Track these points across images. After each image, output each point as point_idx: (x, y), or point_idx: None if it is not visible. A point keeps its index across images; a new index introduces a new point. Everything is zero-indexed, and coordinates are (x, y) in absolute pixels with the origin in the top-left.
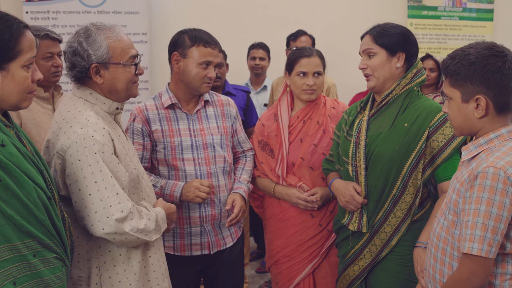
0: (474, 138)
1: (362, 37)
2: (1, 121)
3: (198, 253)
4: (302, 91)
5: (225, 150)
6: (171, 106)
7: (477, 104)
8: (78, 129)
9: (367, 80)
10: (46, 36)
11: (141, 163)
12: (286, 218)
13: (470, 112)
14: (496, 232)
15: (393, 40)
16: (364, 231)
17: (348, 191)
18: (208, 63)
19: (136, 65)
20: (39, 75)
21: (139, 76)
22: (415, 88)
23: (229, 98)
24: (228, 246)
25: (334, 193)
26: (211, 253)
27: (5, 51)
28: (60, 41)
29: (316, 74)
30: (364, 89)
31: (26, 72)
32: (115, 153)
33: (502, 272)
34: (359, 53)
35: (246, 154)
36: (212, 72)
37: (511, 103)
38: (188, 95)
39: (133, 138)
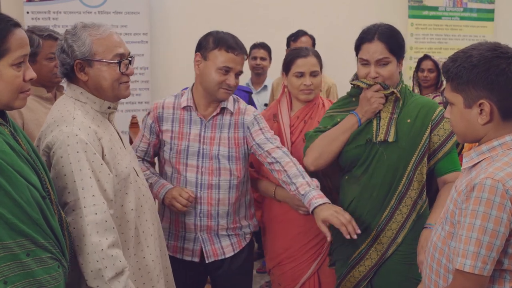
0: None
1: (363, 42)
2: None
3: (188, 258)
4: (299, 91)
5: (233, 162)
6: (188, 108)
7: (481, 110)
8: (64, 127)
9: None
10: (49, 37)
11: (144, 157)
12: (289, 219)
13: (473, 118)
14: (491, 249)
15: (401, 46)
16: (391, 140)
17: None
18: (228, 69)
19: (119, 63)
20: (31, 74)
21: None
22: (403, 85)
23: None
24: (227, 256)
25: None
26: (207, 262)
27: None
28: None
29: (313, 74)
30: None
31: (16, 71)
32: (102, 152)
33: None
34: (364, 58)
35: (282, 150)
36: (231, 80)
37: None
38: (206, 99)
39: (144, 130)
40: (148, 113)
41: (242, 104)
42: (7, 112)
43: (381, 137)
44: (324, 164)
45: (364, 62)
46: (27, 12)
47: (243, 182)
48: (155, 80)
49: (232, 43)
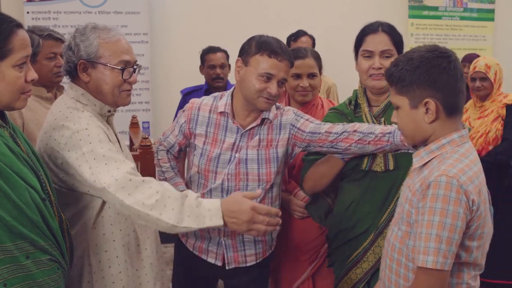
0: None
1: (367, 34)
2: None
3: (212, 261)
4: (295, 92)
5: (262, 166)
6: (225, 114)
7: (427, 108)
8: (72, 125)
9: (378, 80)
10: (49, 36)
11: (169, 149)
12: (286, 222)
13: (420, 117)
14: (450, 243)
15: (402, 43)
16: (391, 168)
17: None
18: (269, 76)
19: (123, 69)
20: (33, 75)
21: (134, 85)
22: None
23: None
24: (248, 264)
25: None
26: (227, 268)
27: None
28: (63, 41)
29: (310, 76)
30: None
31: (18, 72)
32: None
33: (458, 282)
34: (369, 50)
35: (340, 124)
36: (273, 88)
37: (460, 104)
38: (246, 108)
39: (175, 125)
40: (184, 110)
41: (281, 108)
42: (6, 112)
43: (380, 167)
44: (321, 189)
45: (368, 55)
46: (27, 12)
47: (272, 185)
48: (155, 80)
49: (276, 47)
